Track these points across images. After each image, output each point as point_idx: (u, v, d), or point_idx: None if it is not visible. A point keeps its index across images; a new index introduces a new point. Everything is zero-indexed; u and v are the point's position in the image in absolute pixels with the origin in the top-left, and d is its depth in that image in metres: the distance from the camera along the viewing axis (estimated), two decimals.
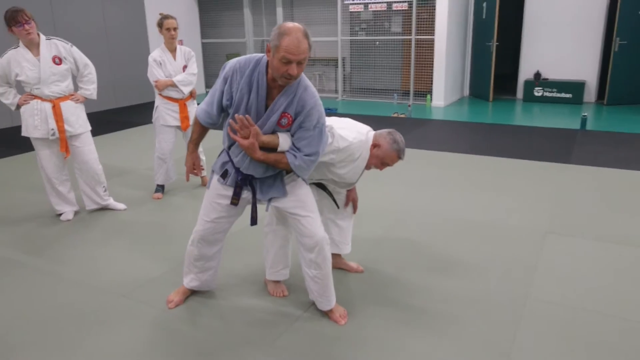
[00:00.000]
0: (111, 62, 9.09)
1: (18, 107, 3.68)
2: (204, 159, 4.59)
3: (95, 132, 6.85)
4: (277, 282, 2.79)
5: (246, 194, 2.39)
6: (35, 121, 3.65)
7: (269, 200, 2.38)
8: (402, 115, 7.94)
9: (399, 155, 2.56)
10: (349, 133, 2.47)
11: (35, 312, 2.67)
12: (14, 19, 3.45)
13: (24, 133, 3.74)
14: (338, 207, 2.81)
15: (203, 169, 2.50)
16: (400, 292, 2.78)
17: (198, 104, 4.46)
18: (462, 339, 2.37)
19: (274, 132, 2.21)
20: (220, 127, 2.36)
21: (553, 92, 8.80)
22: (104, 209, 4.11)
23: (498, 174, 4.90)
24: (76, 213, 4.04)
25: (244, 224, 2.69)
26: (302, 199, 2.36)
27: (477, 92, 9.61)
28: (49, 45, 3.64)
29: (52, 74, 3.63)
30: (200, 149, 4.50)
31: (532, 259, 3.14)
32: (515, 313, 2.57)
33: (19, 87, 3.69)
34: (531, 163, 5.21)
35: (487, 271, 3.01)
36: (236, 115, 2.14)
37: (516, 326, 2.46)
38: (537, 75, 8.94)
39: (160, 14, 4.24)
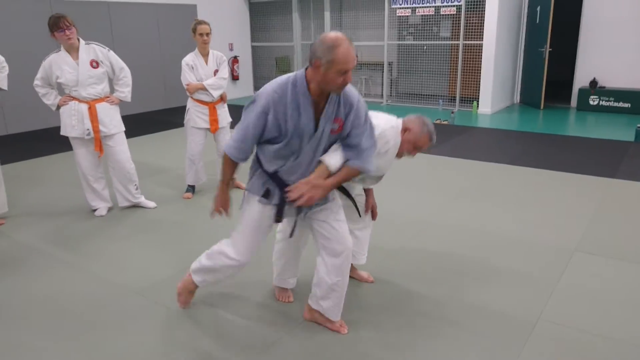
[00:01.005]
0: (164, 65, 9.45)
1: (58, 107, 3.90)
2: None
3: (143, 131, 7.14)
4: (284, 288, 2.81)
5: (289, 209, 2.31)
6: (72, 121, 3.86)
7: (305, 209, 2.32)
8: (445, 122, 7.77)
9: (430, 137, 2.52)
10: (379, 121, 2.46)
11: (54, 300, 2.82)
12: (56, 24, 3.67)
13: (62, 132, 3.96)
14: (360, 215, 2.76)
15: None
16: (408, 303, 2.73)
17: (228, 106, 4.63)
18: (464, 355, 2.29)
19: (328, 141, 2.19)
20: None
21: (610, 101, 8.33)
22: (136, 206, 4.28)
23: (536, 186, 4.70)
24: (109, 209, 4.23)
25: None
26: (332, 207, 2.35)
27: (528, 100, 9.25)
28: (88, 50, 3.84)
29: (89, 76, 3.83)
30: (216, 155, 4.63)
31: (554, 278, 2.99)
32: (524, 332, 2.46)
33: (60, 89, 3.92)
34: (573, 176, 4.96)
35: (504, 287, 2.89)
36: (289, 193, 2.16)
37: (522, 346, 2.35)
38: (593, 82, 8.49)
39: (194, 20, 4.36)
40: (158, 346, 2.41)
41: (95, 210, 4.16)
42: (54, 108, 3.93)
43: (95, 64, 3.85)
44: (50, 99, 3.90)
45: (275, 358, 2.30)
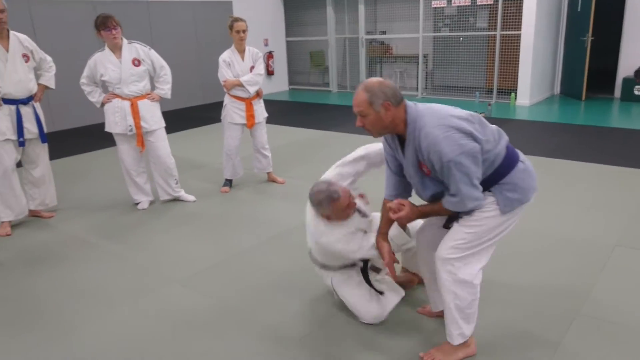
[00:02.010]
0: (200, 62, 9.65)
1: (102, 104, 4.06)
2: (269, 156, 4.78)
3: (181, 127, 7.32)
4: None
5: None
6: (115, 118, 4.02)
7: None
8: (482, 114, 7.63)
9: (313, 199, 2.41)
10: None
11: (100, 288, 2.97)
12: (104, 24, 3.83)
13: (106, 129, 4.13)
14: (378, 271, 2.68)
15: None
16: None
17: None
18: (499, 349, 2.29)
19: (422, 183, 2.10)
20: None
21: None
22: (176, 200, 4.42)
23: (575, 180, 4.60)
24: (151, 203, 4.38)
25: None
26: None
27: (569, 91, 8.99)
28: (130, 49, 3.99)
29: (131, 74, 3.97)
30: (267, 145, 4.71)
31: (593, 273, 2.94)
32: (562, 327, 2.43)
33: (104, 86, 4.08)
34: (615, 169, 4.82)
35: (543, 283, 2.86)
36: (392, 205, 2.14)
37: (559, 340, 2.33)
38: (638, 72, 8.18)
39: (230, 17, 4.45)
40: (200, 334, 2.51)
41: (137, 203, 4.32)
42: (98, 105, 4.09)
43: (137, 62, 3.99)
44: (95, 96, 4.06)
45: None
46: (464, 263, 2.08)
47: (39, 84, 3.91)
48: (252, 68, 4.46)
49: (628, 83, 8.27)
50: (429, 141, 1.91)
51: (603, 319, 2.49)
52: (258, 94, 4.56)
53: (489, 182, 2.03)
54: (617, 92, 8.55)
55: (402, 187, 2.25)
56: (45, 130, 3.95)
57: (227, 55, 4.41)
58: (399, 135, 2.07)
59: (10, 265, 3.35)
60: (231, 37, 4.40)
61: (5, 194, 3.80)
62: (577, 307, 2.60)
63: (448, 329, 2.19)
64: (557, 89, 9.37)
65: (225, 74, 4.39)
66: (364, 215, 2.52)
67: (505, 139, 2.09)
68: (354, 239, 2.37)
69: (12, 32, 3.67)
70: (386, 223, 2.28)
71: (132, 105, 4.01)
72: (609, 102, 8.34)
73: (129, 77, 3.97)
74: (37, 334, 2.55)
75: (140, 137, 4.09)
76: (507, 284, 2.86)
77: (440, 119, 1.93)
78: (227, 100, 4.53)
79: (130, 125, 4.03)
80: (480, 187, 1.98)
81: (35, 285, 3.07)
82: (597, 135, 6.22)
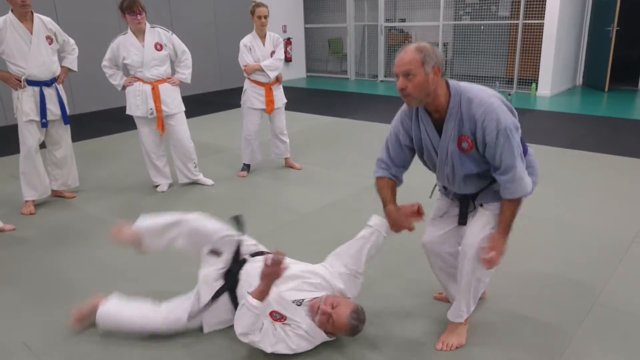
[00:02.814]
0: (219, 48, 9.66)
1: (123, 88, 4.12)
2: (287, 142, 4.80)
3: (200, 112, 7.37)
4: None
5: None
6: (137, 101, 4.07)
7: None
8: None
9: (350, 329, 2.13)
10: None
11: (116, 264, 3.05)
12: (130, 8, 3.87)
13: (128, 111, 4.19)
14: None
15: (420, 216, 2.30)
16: None
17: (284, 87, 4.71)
18: (515, 339, 2.30)
19: (461, 161, 2.00)
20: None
21: None
22: (195, 183, 4.47)
23: (596, 171, 4.54)
24: (170, 185, 4.44)
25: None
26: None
27: (592, 82, 8.84)
28: (152, 33, 4.03)
29: (153, 58, 4.02)
30: (285, 131, 4.72)
31: (612, 265, 2.92)
32: (578, 317, 2.43)
33: (125, 70, 4.13)
34: (634, 161, 4.74)
35: (559, 273, 2.85)
36: None
37: (574, 331, 2.33)
38: None
39: (253, 2, 4.45)
40: None
41: (157, 186, 4.39)
42: (119, 88, 4.15)
43: (159, 46, 4.03)
44: (117, 79, 4.11)
45: None
46: None
47: (62, 67, 3.97)
48: (272, 53, 4.46)
49: None
50: (484, 108, 1.87)
51: (620, 310, 2.48)
52: (278, 80, 4.57)
53: None
54: None
55: (398, 171, 2.19)
56: (68, 112, 4.02)
57: (248, 40, 4.43)
58: (430, 113, 2.01)
59: (35, 243, 3.43)
60: (252, 23, 4.41)
61: (29, 174, 3.88)
62: (593, 297, 2.59)
63: (460, 310, 2.21)
64: (580, 80, 9.22)
65: (246, 59, 4.41)
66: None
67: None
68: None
69: (36, 15, 3.72)
70: (392, 195, 2.20)
71: (153, 89, 4.06)
72: (633, 94, 8.18)
73: (150, 61, 4.01)
74: (62, 307, 2.61)
75: (160, 120, 4.14)
76: (524, 273, 2.86)
77: (489, 91, 1.94)
78: (247, 85, 4.55)
79: (151, 109, 4.07)
80: None
81: (59, 262, 3.15)
82: (618, 127, 6.12)
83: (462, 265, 2.14)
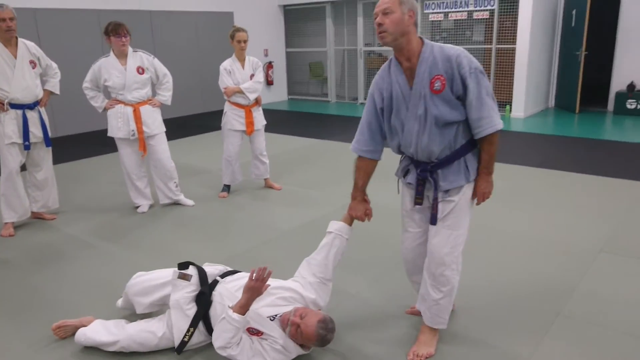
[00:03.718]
0: (202, 71, 9.80)
1: (104, 110, 4.19)
2: (267, 162, 4.90)
3: (182, 134, 7.44)
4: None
5: (429, 191, 2.26)
6: (118, 123, 4.15)
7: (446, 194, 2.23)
8: None
9: (318, 339, 2.18)
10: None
11: (95, 284, 3.07)
12: (116, 30, 3.99)
13: (109, 134, 4.26)
14: None
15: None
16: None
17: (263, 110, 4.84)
18: (482, 348, 2.39)
19: (433, 102, 2.09)
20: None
21: None
22: (175, 203, 4.53)
23: (565, 189, 4.72)
24: (151, 206, 4.50)
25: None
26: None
27: (563, 104, 9.15)
28: (135, 57, 4.14)
29: (134, 82, 4.12)
30: (265, 152, 4.83)
31: (578, 276, 3.05)
32: (542, 327, 2.54)
33: (105, 92, 4.22)
34: (604, 179, 4.94)
35: (527, 283, 2.97)
36: None
37: (540, 339, 2.44)
38: (631, 86, 8.34)
39: (233, 27, 4.59)
40: None
41: (137, 207, 4.43)
42: (100, 110, 4.23)
43: (141, 70, 4.14)
44: (98, 101, 4.20)
45: None
46: (460, 253, 2.28)
47: (44, 90, 4.04)
48: (252, 76, 4.60)
49: (621, 97, 8.43)
50: (458, 51, 2.07)
51: (584, 320, 2.60)
52: (257, 102, 4.69)
53: (467, 146, 2.19)
54: (610, 105, 8.71)
55: (377, 143, 2.31)
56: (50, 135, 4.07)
57: (228, 64, 4.55)
58: (401, 63, 2.15)
59: (15, 263, 3.46)
60: (232, 47, 4.55)
61: (9, 196, 3.91)
62: (559, 308, 2.71)
63: (440, 318, 2.34)
64: (552, 102, 9.54)
65: (226, 81, 4.53)
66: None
67: None
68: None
69: (20, 40, 3.81)
70: (363, 184, 2.38)
71: (134, 110, 4.15)
72: (602, 116, 8.49)
73: (132, 84, 4.11)
74: (42, 325, 2.64)
75: (142, 141, 4.22)
76: (493, 284, 2.97)
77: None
78: (227, 107, 4.66)
79: (133, 130, 4.16)
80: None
81: (39, 282, 3.18)
82: (588, 147, 6.35)
83: (427, 274, 2.31)
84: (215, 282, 2.42)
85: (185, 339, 2.31)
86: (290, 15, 11.42)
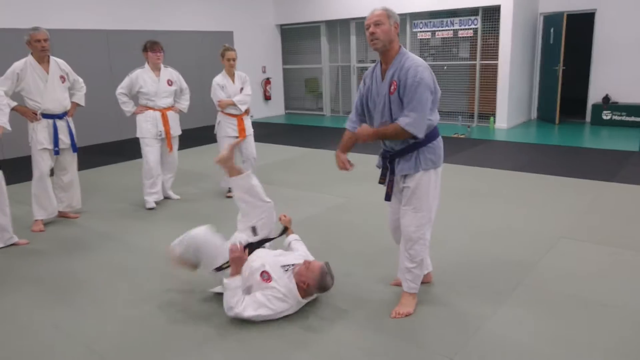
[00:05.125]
0: (203, 87, 10.31)
1: (133, 114, 4.91)
2: (255, 166, 5.39)
3: (188, 145, 7.90)
4: None
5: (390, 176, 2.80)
6: (148, 125, 4.90)
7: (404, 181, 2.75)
8: (462, 136, 8.34)
9: (320, 284, 2.77)
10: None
11: (118, 268, 3.55)
12: (152, 47, 4.81)
13: (138, 135, 4.96)
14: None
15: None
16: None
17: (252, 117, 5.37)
18: (451, 308, 2.88)
19: (388, 101, 2.63)
20: None
21: (622, 115, 8.76)
22: (166, 198, 5.23)
23: (539, 189, 5.23)
24: (157, 203, 5.06)
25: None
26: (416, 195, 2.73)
27: (544, 115, 9.74)
28: (166, 71, 4.95)
29: (164, 90, 4.93)
30: (255, 156, 5.36)
31: (540, 255, 3.56)
32: (504, 295, 3.02)
33: (134, 99, 4.93)
34: (575, 180, 5.47)
35: (493, 264, 3.47)
36: None
37: (501, 304, 2.92)
38: (606, 98, 8.94)
39: (223, 46, 5.17)
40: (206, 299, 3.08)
41: (147, 203, 4.99)
42: (128, 114, 4.94)
43: (170, 82, 4.97)
44: (129, 106, 4.91)
45: None
46: (428, 230, 2.79)
47: (72, 102, 4.55)
48: (241, 89, 5.18)
49: (597, 109, 9.03)
50: (415, 65, 2.57)
51: (540, 290, 3.09)
52: (247, 112, 5.28)
53: (421, 142, 2.66)
54: (588, 116, 9.30)
55: (360, 120, 2.87)
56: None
57: (220, 79, 5.14)
58: (382, 65, 2.70)
59: (48, 253, 3.93)
60: (223, 64, 5.12)
61: (40, 196, 4.39)
62: (520, 280, 3.20)
63: (413, 284, 2.85)
64: (534, 114, 10.12)
65: (219, 95, 5.12)
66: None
67: (438, 116, 2.74)
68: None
69: (52, 57, 4.32)
70: (345, 144, 2.91)
71: (162, 115, 4.93)
72: (580, 126, 9.07)
73: (163, 92, 4.92)
74: (74, 304, 3.11)
75: (169, 140, 5.00)
76: (465, 262, 3.46)
77: (424, 65, 2.63)
78: (220, 117, 5.24)
79: (160, 131, 4.94)
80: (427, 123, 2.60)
81: (70, 267, 3.65)
82: (564, 153, 6.90)
83: (402, 248, 2.88)
84: (260, 244, 3.06)
85: (224, 266, 2.90)
86: (287, 34, 12.04)
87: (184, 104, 5.17)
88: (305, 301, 2.82)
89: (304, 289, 2.75)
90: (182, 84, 5.12)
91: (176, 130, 5.10)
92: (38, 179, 4.36)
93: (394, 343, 2.57)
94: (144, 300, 3.11)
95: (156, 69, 4.90)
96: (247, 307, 2.67)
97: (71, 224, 4.60)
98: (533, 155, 6.91)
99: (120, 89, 4.87)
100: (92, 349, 2.61)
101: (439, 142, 2.77)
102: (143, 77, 4.86)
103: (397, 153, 2.73)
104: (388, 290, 3.12)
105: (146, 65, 4.91)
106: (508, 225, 4.19)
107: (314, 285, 2.75)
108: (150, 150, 4.95)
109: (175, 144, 5.15)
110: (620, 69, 8.83)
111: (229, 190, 5.34)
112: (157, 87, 4.89)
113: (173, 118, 5.05)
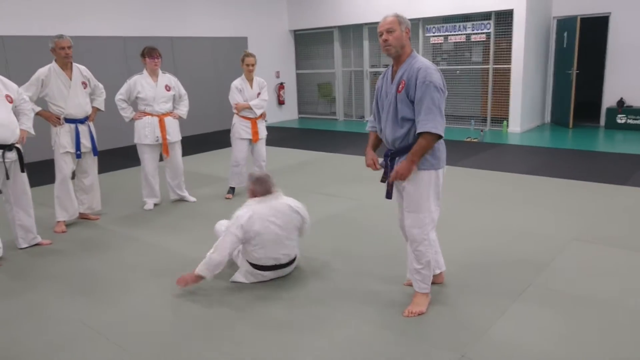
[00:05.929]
0: (219, 92, 10.50)
1: (132, 120, 4.98)
2: (264, 169, 5.49)
3: (201, 149, 8.07)
4: None
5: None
6: (146, 131, 4.96)
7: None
8: (475, 140, 8.37)
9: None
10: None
11: (136, 267, 3.66)
12: (150, 53, 4.84)
13: (136, 141, 5.04)
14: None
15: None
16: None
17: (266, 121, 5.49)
18: (463, 308, 2.94)
19: (396, 100, 2.72)
20: None
21: (637, 119, 8.72)
22: (181, 200, 5.35)
23: (553, 192, 5.24)
24: (156, 205, 5.23)
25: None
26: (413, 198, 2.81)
27: (558, 119, 9.72)
28: (163, 77, 4.99)
29: (162, 96, 4.96)
30: (265, 159, 5.48)
31: (552, 256, 3.59)
32: (513, 295, 3.07)
33: (133, 105, 5.01)
34: (589, 184, 5.47)
35: (504, 265, 3.51)
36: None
37: (509, 304, 2.97)
38: (620, 102, 8.91)
39: (244, 52, 5.31)
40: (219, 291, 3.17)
41: (145, 205, 5.17)
42: (127, 120, 5.02)
43: (168, 88, 5.00)
44: (127, 112, 4.98)
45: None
46: (431, 231, 2.86)
47: (92, 107, 4.69)
48: (258, 94, 5.31)
49: (611, 112, 8.99)
50: (425, 67, 2.64)
51: (550, 290, 3.13)
52: (262, 116, 5.41)
53: None
54: (602, 120, 9.27)
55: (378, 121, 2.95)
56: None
57: (239, 83, 5.28)
58: (394, 67, 2.79)
59: (70, 252, 4.06)
60: (242, 68, 5.26)
61: (62, 198, 4.53)
62: (530, 281, 3.25)
63: (423, 284, 2.91)
64: (548, 118, 10.10)
65: (236, 98, 5.26)
66: None
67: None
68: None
69: (75, 64, 4.47)
70: (372, 142, 3.06)
71: (160, 120, 4.96)
72: (595, 130, 9.04)
73: (160, 97, 4.95)
74: (93, 298, 3.24)
75: (166, 146, 5.03)
76: (477, 262, 3.51)
77: (434, 67, 2.71)
78: (236, 119, 5.37)
79: (158, 136, 4.97)
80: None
81: (91, 266, 3.77)
82: (578, 157, 6.90)
83: (409, 250, 2.95)
84: None
85: None
86: (301, 39, 12.17)
87: (183, 109, 5.20)
88: (254, 202, 3.28)
89: (251, 191, 3.35)
90: (181, 90, 5.15)
91: (175, 136, 5.11)
92: (60, 182, 4.50)
93: (405, 341, 2.64)
94: (163, 296, 3.22)
95: (154, 74, 4.94)
96: (217, 250, 3.15)
97: (92, 225, 4.73)
98: (546, 158, 6.91)
99: (120, 95, 4.93)
100: (114, 342, 2.72)
101: (440, 145, 2.82)
102: (141, 83, 4.90)
103: (398, 152, 2.83)
104: (401, 290, 3.18)
105: (144, 71, 4.95)
106: (520, 227, 4.22)
107: (250, 182, 3.36)
108: (147, 157, 5.06)
109: (178, 149, 5.19)
110: (635, 72, 8.80)
111: (229, 192, 5.48)
112: (155, 93, 4.93)
113: (172, 124, 5.08)
